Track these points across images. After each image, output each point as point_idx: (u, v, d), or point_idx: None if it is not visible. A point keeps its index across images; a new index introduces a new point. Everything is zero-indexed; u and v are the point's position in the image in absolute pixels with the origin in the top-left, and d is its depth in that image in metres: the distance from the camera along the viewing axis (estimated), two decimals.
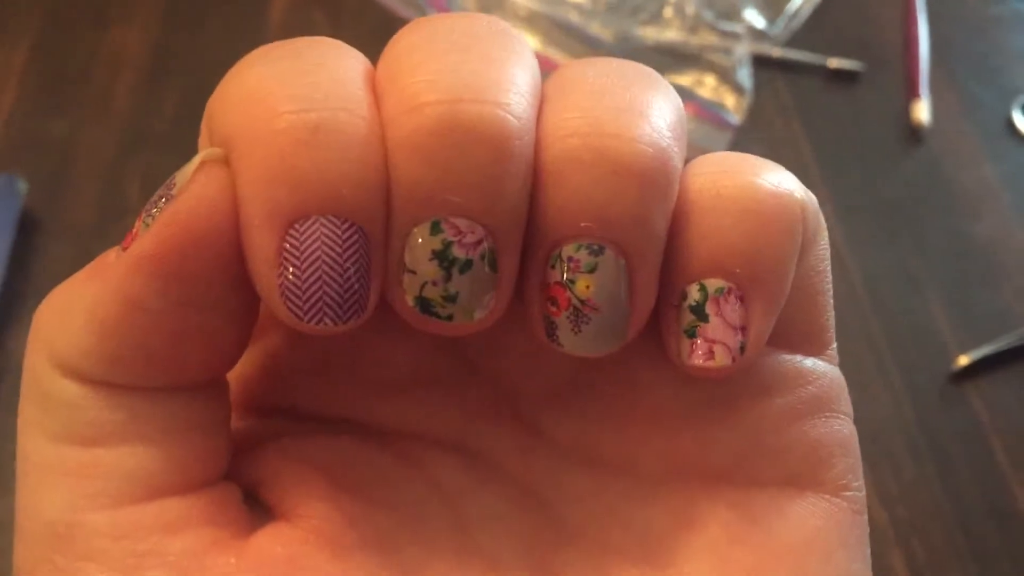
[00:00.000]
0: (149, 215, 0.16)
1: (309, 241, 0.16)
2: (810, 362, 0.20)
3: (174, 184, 0.16)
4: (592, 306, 0.17)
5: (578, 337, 0.17)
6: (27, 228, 0.52)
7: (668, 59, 0.63)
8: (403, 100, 0.16)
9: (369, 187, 0.16)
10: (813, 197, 0.19)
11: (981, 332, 0.54)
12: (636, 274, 0.17)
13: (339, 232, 0.16)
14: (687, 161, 0.18)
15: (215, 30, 0.64)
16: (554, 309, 0.17)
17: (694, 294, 0.18)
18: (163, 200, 0.16)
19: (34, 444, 0.18)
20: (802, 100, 0.63)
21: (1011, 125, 0.63)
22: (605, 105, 0.17)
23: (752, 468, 0.20)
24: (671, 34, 0.64)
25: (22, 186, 0.52)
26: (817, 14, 0.67)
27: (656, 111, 0.17)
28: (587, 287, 0.17)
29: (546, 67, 0.62)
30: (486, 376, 0.21)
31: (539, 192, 0.17)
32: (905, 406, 0.51)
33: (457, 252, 0.16)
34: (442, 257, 0.16)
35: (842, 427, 0.20)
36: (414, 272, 0.16)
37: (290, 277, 0.16)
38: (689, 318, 0.18)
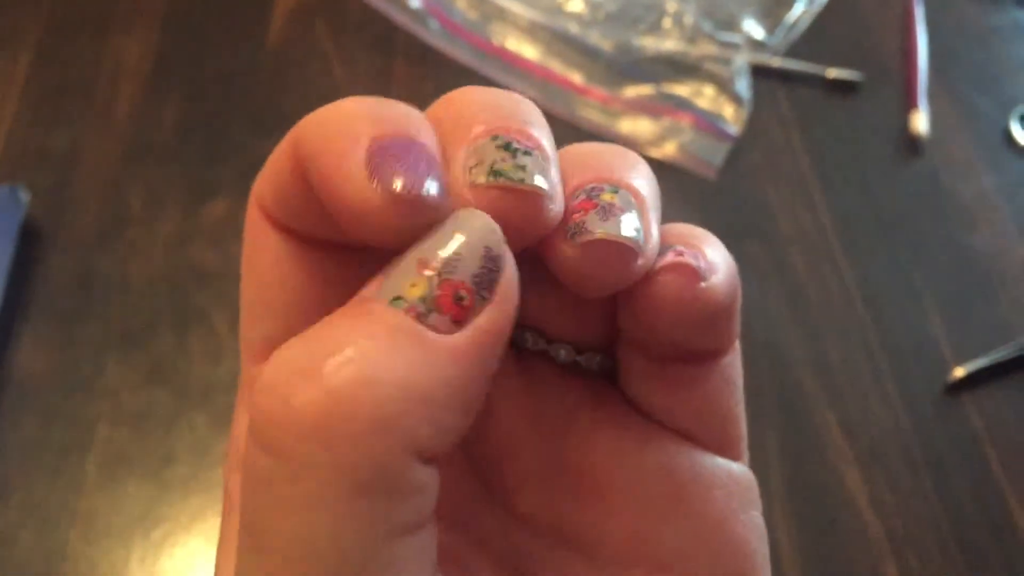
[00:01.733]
0: (482, 288, 0.17)
1: (386, 146, 0.17)
2: (733, 466, 0.22)
3: (495, 255, 0.18)
4: (619, 208, 0.19)
5: (607, 223, 0.19)
6: (29, 238, 0.53)
7: (667, 69, 0.64)
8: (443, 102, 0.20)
9: (429, 132, 0.18)
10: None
11: (978, 343, 0.54)
12: (641, 203, 0.19)
13: (408, 145, 0.18)
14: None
15: (215, 40, 0.64)
16: (580, 214, 0.19)
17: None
18: (488, 272, 0.18)
19: (370, 541, 0.17)
20: (801, 110, 0.63)
21: (1009, 136, 0.63)
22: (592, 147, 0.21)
23: (694, 560, 0.21)
24: (670, 44, 0.65)
25: (25, 196, 0.53)
26: (816, 24, 0.67)
27: (643, 168, 0.20)
28: (611, 198, 0.19)
29: (548, 78, 0.63)
30: (471, 460, 0.22)
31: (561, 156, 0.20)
32: (901, 417, 0.51)
33: (518, 144, 0.18)
34: (507, 147, 0.18)
35: (760, 521, 0.22)
36: (481, 162, 0.18)
37: (384, 161, 0.17)
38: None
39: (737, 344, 0.22)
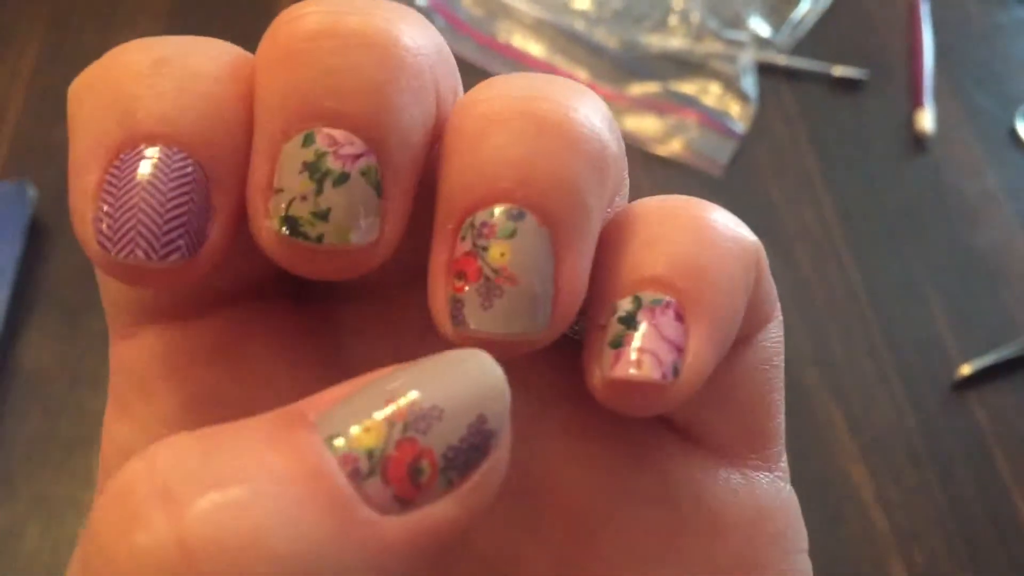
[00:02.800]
0: (452, 469, 0.12)
1: (131, 168, 0.14)
2: (765, 487, 0.17)
3: (489, 429, 0.12)
4: (507, 276, 0.14)
5: (487, 313, 0.14)
6: (36, 233, 0.53)
7: (673, 67, 0.64)
8: (279, 20, 0.15)
9: (214, 121, 0.14)
10: (772, 279, 0.17)
11: (983, 341, 0.54)
12: (562, 247, 0.14)
13: (168, 161, 0.14)
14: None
15: (221, 32, 0.63)
16: (460, 284, 0.14)
17: (626, 305, 0.15)
18: (470, 449, 0.12)
19: None
20: (806, 108, 0.63)
21: (1014, 134, 0.63)
22: (533, 80, 0.16)
23: None
24: (676, 42, 0.65)
25: (32, 192, 0.53)
26: (822, 22, 0.68)
27: (589, 100, 0.16)
28: (502, 254, 0.14)
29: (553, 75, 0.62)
30: None
31: (450, 154, 0.15)
32: (906, 413, 0.52)
33: (331, 163, 0.14)
34: (313, 169, 0.14)
35: (801, 569, 0.18)
36: (282, 191, 0.14)
37: (106, 208, 0.14)
38: (617, 329, 0.15)
39: (779, 311, 0.18)
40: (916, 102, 0.64)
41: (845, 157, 0.62)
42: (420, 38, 0.15)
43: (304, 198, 0.14)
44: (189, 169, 0.14)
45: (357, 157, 0.14)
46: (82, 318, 0.50)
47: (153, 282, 0.14)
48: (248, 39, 0.57)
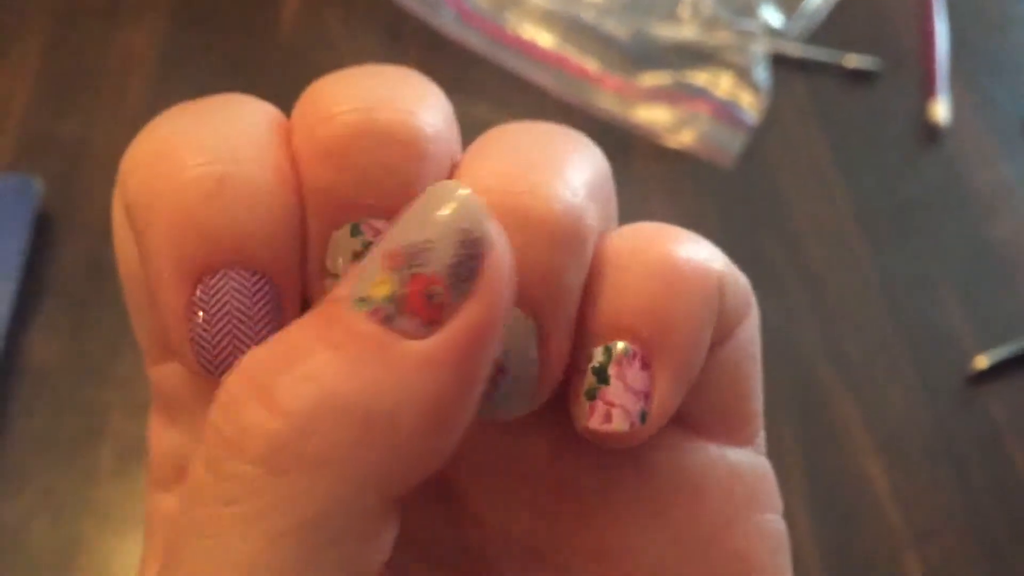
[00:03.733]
0: (459, 281, 0.15)
1: (219, 294, 0.16)
2: (739, 455, 0.19)
3: (474, 237, 0.15)
4: (499, 368, 0.16)
5: (487, 403, 0.16)
6: (41, 227, 0.52)
7: (684, 57, 0.63)
8: (315, 114, 0.17)
9: (278, 238, 0.16)
10: (741, 277, 0.19)
11: (998, 333, 0.54)
12: (547, 333, 0.17)
13: (248, 285, 0.16)
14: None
15: (226, 29, 0.64)
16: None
17: (599, 356, 0.17)
18: (467, 259, 0.15)
19: None
20: (819, 99, 0.63)
21: None
22: (517, 160, 0.17)
23: None
24: (687, 32, 0.64)
25: (38, 186, 0.52)
26: (834, 12, 0.67)
27: (572, 169, 0.17)
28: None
29: (563, 66, 0.62)
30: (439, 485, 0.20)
31: None
32: (922, 408, 0.51)
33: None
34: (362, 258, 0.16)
35: (774, 528, 0.19)
36: (337, 276, 0.16)
37: (199, 331, 0.16)
38: (590, 380, 0.17)
39: (754, 308, 0.19)
40: (930, 93, 0.63)
41: (858, 148, 0.61)
42: (439, 122, 0.17)
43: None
44: (265, 287, 0.16)
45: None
46: (89, 311, 0.50)
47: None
48: (252, 32, 0.57)
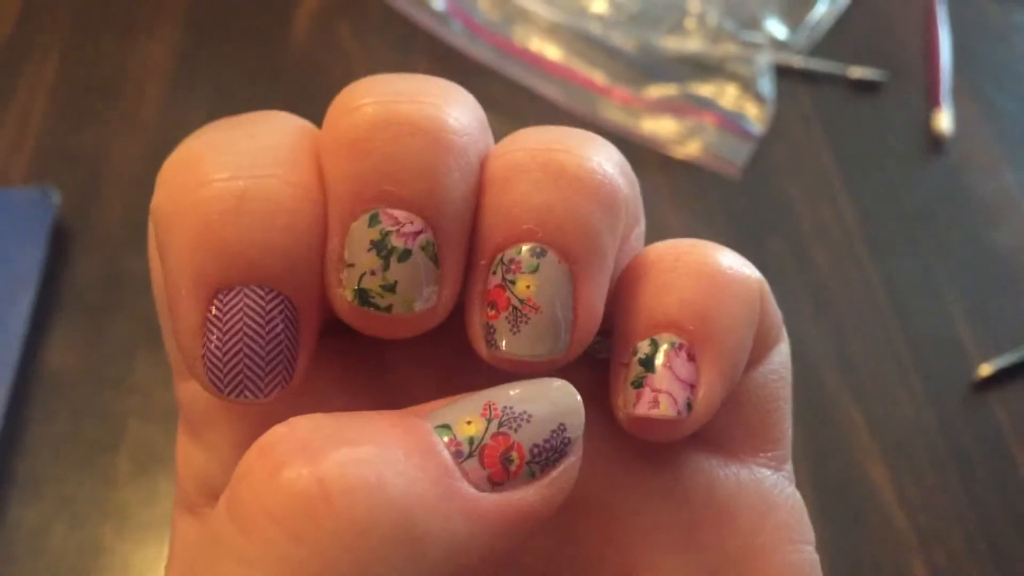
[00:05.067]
0: (536, 463, 0.15)
1: (233, 312, 0.16)
2: (771, 482, 0.19)
3: (567, 436, 0.15)
4: (531, 305, 0.17)
5: (516, 337, 0.17)
6: (59, 237, 0.53)
7: (689, 69, 0.64)
8: (341, 108, 0.17)
9: (296, 256, 0.16)
10: (777, 307, 0.19)
11: (1002, 340, 0.54)
12: (579, 280, 0.17)
13: (263, 303, 0.16)
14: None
15: (239, 40, 0.64)
16: (493, 313, 0.17)
17: (644, 348, 0.17)
18: (552, 449, 0.15)
19: None
20: (824, 110, 0.64)
21: None
22: (553, 134, 0.18)
23: None
24: (693, 44, 0.65)
25: (56, 197, 0.53)
26: (838, 24, 0.68)
27: (603, 147, 0.18)
28: (527, 287, 0.17)
29: (570, 78, 0.63)
30: None
31: (482, 200, 0.17)
32: (927, 414, 0.52)
33: (395, 241, 0.16)
34: (380, 247, 0.16)
35: (807, 559, 0.19)
36: (353, 265, 0.16)
37: (212, 348, 0.16)
38: (637, 370, 0.17)
39: (785, 335, 0.20)
40: (933, 103, 0.64)
41: (863, 158, 0.62)
42: (464, 118, 0.17)
43: (373, 273, 0.16)
44: (280, 306, 0.16)
45: (417, 234, 0.16)
46: (106, 321, 0.51)
47: (253, 406, 0.17)
48: (265, 44, 0.58)
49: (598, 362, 0.19)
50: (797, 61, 0.65)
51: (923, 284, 0.56)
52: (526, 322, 0.17)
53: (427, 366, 0.20)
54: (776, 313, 0.19)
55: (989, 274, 0.57)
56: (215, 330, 0.16)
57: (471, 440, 0.15)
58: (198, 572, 0.14)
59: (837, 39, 0.67)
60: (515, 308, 0.17)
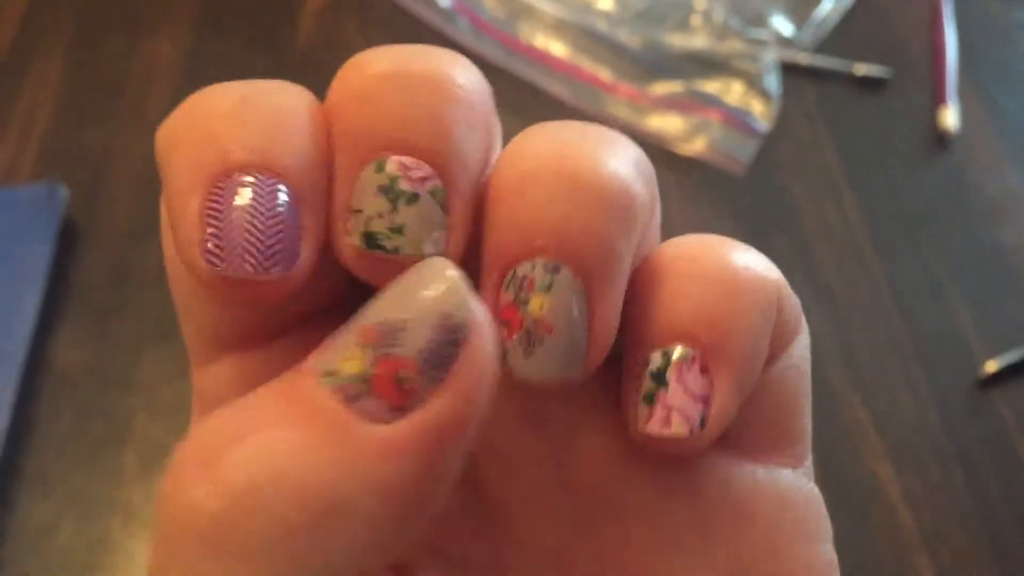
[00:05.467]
0: (432, 369, 0.14)
1: (231, 193, 0.15)
2: (788, 480, 0.19)
3: (454, 323, 0.14)
4: (545, 326, 0.16)
5: (529, 360, 0.16)
6: (66, 235, 0.53)
7: (695, 66, 0.64)
8: (347, 67, 0.17)
9: (298, 150, 0.16)
10: (794, 295, 0.18)
11: (1007, 338, 0.54)
12: (594, 296, 0.16)
13: (263, 186, 0.15)
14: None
15: (245, 38, 0.64)
16: (505, 333, 0.16)
17: (656, 360, 0.17)
18: (443, 345, 0.14)
19: None
20: (829, 107, 0.64)
21: None
22: (566, 135, 0.17)
23: None
24: (699, 41, 0.65)
25: (63, 194, 0.53)
26: (844, 21, 0.68)
27: (619, 148, 0.17)
28: (540, 307, 0.16)
29: (576, 75, 0.63)
30: (466, 481, 0.19)
31: (493, 211, 0.16)
32: (931, 411, 0.52)
33: (403, 185, 0.16)
34: (387, 191, 0.16)
35: (824, 558, 0.19)
36: (360, 211, 0.16)
37: (211, 231, 0.15)
38: (649, 384, 0.17)
39: (804, 326, 0.19)
40: (939, 100, 0.64)
41: (868, 155, 0.62)
42: (472, 78, 0.17)
43: (381, 216, 0.16)
44: (282, 192, 0.15)
45: (425, 180, 0.16)
46: (113, 319, 0.51)
47: (253, 296, 0.16)
48: (271, 41, 0.58)
49: (611, 358, 0.18)
50: (803, 58, 0.65)
51: (927, 281, 0.56)
52: (540, 343, 0.16)
53: None
54: (794, 307, 0.18)
55: (994, 271, 0.57)
56: (213, 209, 0.15)
57: (358, 377, 0.14)
58: None
59: (842, 36, 0.67)
60: (528, 330, 0.16)
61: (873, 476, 0.49)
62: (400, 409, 0.14)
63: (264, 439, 0.13)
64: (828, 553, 0.19)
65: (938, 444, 0.51)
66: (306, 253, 0.16)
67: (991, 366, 0.52)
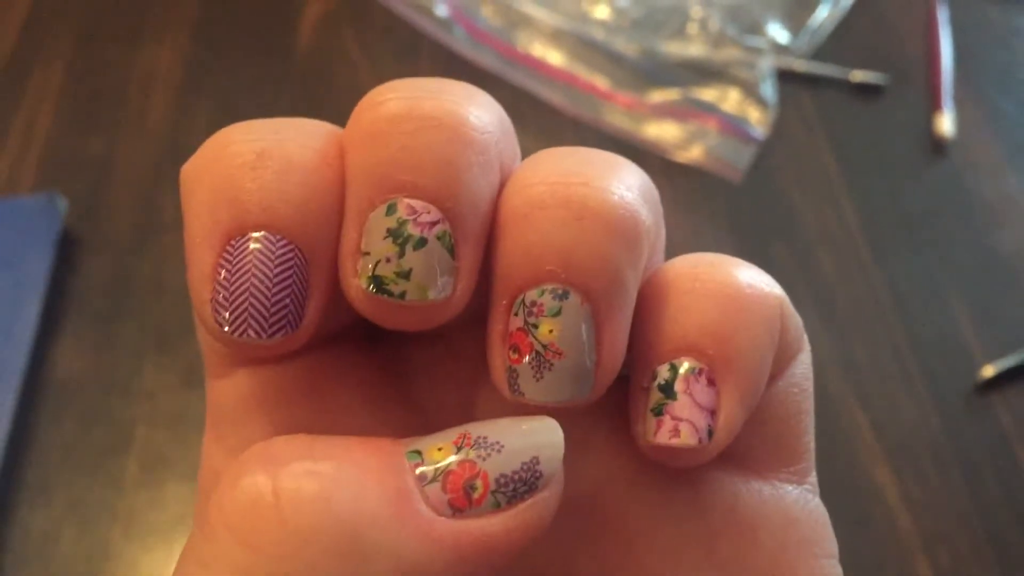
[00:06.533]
0: (501, 493, 0.15)
1: (242, 254, 0.16)
2: (793, 496, 0.19)
3: (540, 470, 0.15)
4: (555, 351, 0.16)
5: (539, 384, 0.16)
6: (66, 244, 0.53)
7: (692, 74, 0.64)
8: (364, 105, 0.17)
9: (311, 208, 0.16)
10: (797, 316, 0.19)
11: (1005, 342, 0.54)
12: (602, 321, 0.16)
13: (272, 248, 0.16)
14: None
15: (245, 47, 0.65)
16: (515, 357, 0.17)
17: (664, 373, 0.17)
18: (522, 481, 0.15)
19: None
20: (826, 113, 0.64)
21: None
22: (574, 161, 0.17)
23: None
24: (695, 49, 0.65)
25: (63, 205, 0.54)
26: (840, 28, 0.68)
27: (624, 173, 0.17)
28: (550, 331, 0.16)
29: (573, 83, 0.63)
30: None
31: (503, 238, 0.17)
32: (931, 416, 0.52)
33: (411, 230, 0.16)
34: (396, 235, 0.16)
35: (829, 572, 0.19)
36: (368, 253, 0.16)
37: (220, 287, 0.16)
38: (657, 396, 0.17)
39: (806, 343, 0.19)
40: (936, 106, 0.64)
41: (865, 162, 0.62)
42: (485, 117, 0.17)
43: (388, 260, 0.16)
44: (290, 254, 0.16)
45: (433, 224, 0.16)
46: (113, 328, 0.51)
47: (258, 354, 0.17)
48: (271, 51, 0.58)
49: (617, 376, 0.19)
50: (799, 65, 0.65)
51: (926, 287, 0.57)
52: (549, 368, 0.16)
53: (447, 380, 0.20)
54: (796, 325, 0.19)
55: (992, 276, 0.57)
56: (224, 270, 0.16)
57: (436, 467, 0.15)
58: (174, 571, 0.15)
59: (839, 43, 0.67)
60: (538, 353, 0.16)
61: (872, 480, 0.50)
62: (458, 511, 0.15)
63: (332, 466, 0.15)
64: (833, 568, 0.19)
65: (937, 448, 0.51)
66: (310, 315, 0.16)
67: (989, 370, 0.52)
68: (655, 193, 0.18)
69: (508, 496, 0.15)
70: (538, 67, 0.64)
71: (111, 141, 0.59)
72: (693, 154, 0.60)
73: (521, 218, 0.17)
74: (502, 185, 0.17)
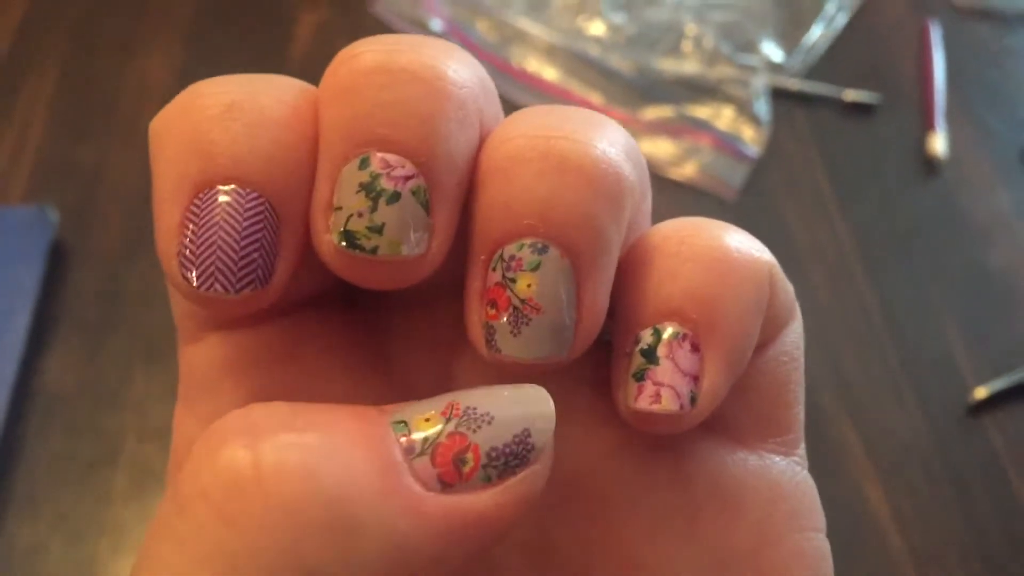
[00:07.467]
0: (492, 467, 0.14)
1: (211, 207, 0.15)
2: (780, 467, 0.18)
3: (531, 442, 0.15)
4: (533, 305, 0.16)
5: (517, 339, 0.16)
6: (57, 254, 0.53)
7: (686, 91, 0.64)
8: (338, 59, 0.16)
9: (282, 162, 0.16)
10: (788, 283, 0.18)
11: (997, 361, 0.54)
12: (582, 277, 0.16)
13: (242, 201, 0.15)
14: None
15: (238, 57, 0.65)
16: (493, 312, 0.16)
17: (647, 338, 0.17)
18: (513, 455, 0.15)
19: None
20: (819, 132, 0.64)
21: None
22: (554, 117, 0.17)
23: None
24: (689, 67, 0.65)
25: (54, 216, 0.53)
26: (834, 47, 0.68)
27: (607, 130, 0.17)
28: (528, 286, 0.16)
29: (567, 99, 0.63)
30: None
31: (481, 191, 0.16)
32: (923, 436, 0.52)
33: (384, 183, 0.15)
34: (369, 189, 0.15)
35: (816, 547, 0.19)
36: (340, 208, 0.16)
37: (187, 242, 0.15)
38: (639, 361, 0.17)
39: (798, 312, 0.19)
40: (928, 125, 0.64)
41: (858, 180, 0.62)
42: (464, 72, 0.16)
43: (360, 215, 0.15)
44: (260, 208, 0.15)
45: (408, 178, 0.15)
46: (103, 339, 0.51)
47: (227, 310, 0.16)
48: (264, 61, 0.58)
49: (601, 343, 0.18)
50: (793, 84, 0.65)
51: (918, 305, 0.57)
52: (527, 323, 0.16)
53: (425, 347, 0.20)
54: (787, 292, 0.19)
55: (984, 296, 0.57)
56: (191, 224, 0.15)
57: (425, 438, 0.14)
58: (141, 551, 0.14)
59: (832, 62, 0.67)
60: (516, 308, 0.16)
61: (864, 499, 0.49)
62: (447, 485, 0.14)
63: (317, 438, 0.14)
64: (820, 542, 0.19)
65: (929, 467, 0.51)
66: (280, 271, 0.16)
67: (981, 392, 0.52)
68: (641, 156, 0.18)
69: (499, 470, 0.14)
70: (533, 83, 0.64)
71: (103, 151, 0.59)
72: (687, 171, 0.61)
73: (499, 172, 0.16)
74: (482, 143, 0.17)
